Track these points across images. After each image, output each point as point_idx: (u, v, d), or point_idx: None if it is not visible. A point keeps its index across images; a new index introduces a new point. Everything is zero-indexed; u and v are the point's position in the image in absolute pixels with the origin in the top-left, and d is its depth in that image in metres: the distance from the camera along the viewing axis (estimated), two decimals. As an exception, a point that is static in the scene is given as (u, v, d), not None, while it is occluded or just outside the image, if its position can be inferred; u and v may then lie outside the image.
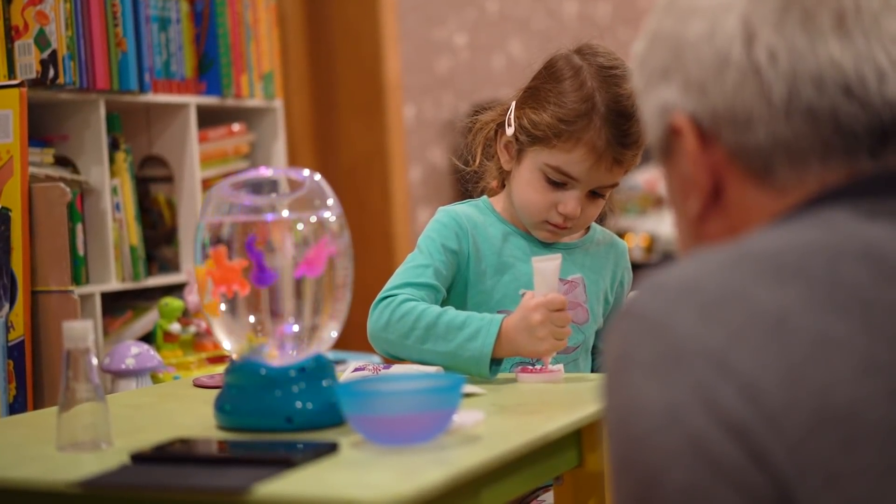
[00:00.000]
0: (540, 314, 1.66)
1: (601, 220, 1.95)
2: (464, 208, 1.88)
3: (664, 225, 4.68)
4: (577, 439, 1.55)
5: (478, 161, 1.91)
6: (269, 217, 1.42)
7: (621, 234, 4.70)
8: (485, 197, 1.92)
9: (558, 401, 1.59)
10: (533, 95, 1.82)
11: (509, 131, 1.84)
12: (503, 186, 1.91)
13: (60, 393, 1.37)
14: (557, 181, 1.80)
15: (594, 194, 1.82)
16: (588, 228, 1.94)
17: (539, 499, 1.82)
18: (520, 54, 5.08)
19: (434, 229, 1.83)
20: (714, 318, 0.78)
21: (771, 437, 0.75)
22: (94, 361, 1.38)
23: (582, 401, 1.57)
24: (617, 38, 5.70)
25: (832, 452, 0.75)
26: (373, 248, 4.42)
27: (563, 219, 1.82)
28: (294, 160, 4.23)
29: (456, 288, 1.84)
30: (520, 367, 1.74)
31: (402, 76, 4.58)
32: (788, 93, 0.86)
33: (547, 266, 1.69)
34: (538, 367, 1.72)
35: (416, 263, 1.80)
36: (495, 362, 1.71)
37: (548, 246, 1.88)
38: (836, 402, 0.75)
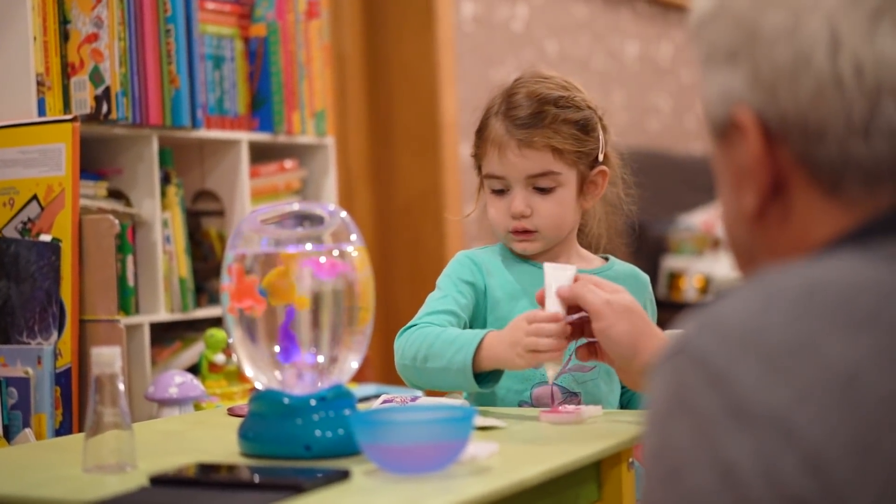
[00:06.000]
0: (519, 325, 1.67)
1: (635, 254, 2.00)
2: (478, 250, 1.97)
3: (719, 266, 4.66)
4: (596, 473, 1.56)
5: (474, 209, 2.01)
6: (291, 249, 1.46)
7: (676, 275, 4.72)
8: (500, 243, 1.97)
9: (578, 435, 1.60)
10: None
11: (477, 174, 1.96)
12: None
13: (88, 417, 1.42)
14: (497, 188, 1.89)
15: (541, 190, 1.86)
16: (606, 259, 1.98)
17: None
18: (578, 95, 5.09)
19: (449, 268, 1.94)
20: (780, 375, 0.72)
21: None
22: (122, 387, 1.42)
23: (602, 435, 1.58)
24: (679, 80, 5.71)
25: None
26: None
27: (517, 220, 1.87)
28: (350, 197, 4.29)
29: (477, 321, 1.89)
30: (541, 410, 1.75)
31: (458, 115, 4.62)
32: (871, 111, 0.79)
33: (553, 273, 1.70)
34: (559, 407, 1.72)
35: (433, 298, 1.89)
36: (491, 376, 1.73)
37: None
38: None
